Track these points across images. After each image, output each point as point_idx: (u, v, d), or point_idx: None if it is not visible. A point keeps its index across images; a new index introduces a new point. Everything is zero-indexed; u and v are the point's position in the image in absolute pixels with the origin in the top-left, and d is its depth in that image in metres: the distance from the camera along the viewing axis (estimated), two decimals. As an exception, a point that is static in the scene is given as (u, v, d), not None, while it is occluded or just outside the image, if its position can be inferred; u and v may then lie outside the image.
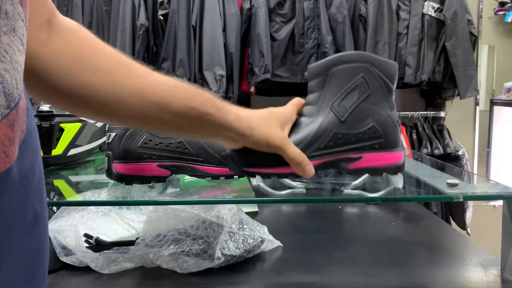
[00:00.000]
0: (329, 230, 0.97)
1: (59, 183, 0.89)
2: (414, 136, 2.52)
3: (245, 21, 2.28)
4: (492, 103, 2.73)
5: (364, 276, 0.75)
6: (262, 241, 0.82)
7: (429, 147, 2.46)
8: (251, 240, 0.81)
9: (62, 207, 0.88)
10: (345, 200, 0.99)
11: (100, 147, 1.13)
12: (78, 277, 0.75)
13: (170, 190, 0.87)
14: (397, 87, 0.65)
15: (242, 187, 0.80)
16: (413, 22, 2.35)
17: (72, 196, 0.83)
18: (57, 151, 0.96)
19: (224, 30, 2.25)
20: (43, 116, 0.94)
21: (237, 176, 0.76)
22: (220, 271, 0.76)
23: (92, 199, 0.79)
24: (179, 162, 0.71)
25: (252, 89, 2.34)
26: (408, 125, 2.56)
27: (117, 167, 0.68)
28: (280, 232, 0.90)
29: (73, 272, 0.76)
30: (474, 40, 2.43)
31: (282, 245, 0.86)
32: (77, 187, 0.90)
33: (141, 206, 0.94)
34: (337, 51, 2.29)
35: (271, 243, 0.85)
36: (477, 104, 2.76)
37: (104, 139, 1.13)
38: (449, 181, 0.74)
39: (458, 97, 2.43)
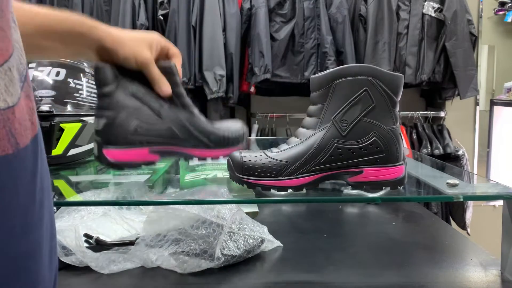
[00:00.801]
0: (329, 230, 0.97)
1: (59, 183, 0.89)
2: (414, 136, 2.52)
3: (245, 21, 2.28)
4: (492, 103, 2.73)
5: (364, 276, 0.75)
6: (262, 241, 0.82)
7: (429, 147, 2.46)
8: (251, 240, 0.81)
9: (62, 207, 0.88)
10: (345, 200, 0.99)
11: (100, 147, 1.13)
12: (78, 277, 0.75)
13: (170, 190, 0.87)
14: (397, 87, 0.65)
15: (242, 187, 0.79)
16: (413, 22, 2.35)
17: (72, 196, 0.83)
18: (57, 151, 0.96)
19: (224, 30, 2.25)
20: (43, 116, 0.94)
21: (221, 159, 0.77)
22: (220, 271, 0.76)
23: (92, 199, 0.79)
24: (168, 147, 0.71)
25: (252, 89, 2.34)
26: (408, 125, 2.56)
27: (109, 153, 0.67)
28: (280, 232, 0.90)
29: (73, 272, 0.76)
30: (474, 40, 2.43)
31: (282, 245, 0.86)
32: (77, 187, 0.90)
33: (141, 206, 0.94)
34: (337, 51, 2.29)
35: (271, 243, 0.85)
36: (477, 104, 2.76)
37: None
38: (449, 181, 0.74)
39: (458, 97, 2.43)
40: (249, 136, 2.28)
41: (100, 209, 0.89)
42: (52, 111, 0.95)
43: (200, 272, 0.75)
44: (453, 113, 2.66)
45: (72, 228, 0.79)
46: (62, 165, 0.99)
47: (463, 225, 2.49)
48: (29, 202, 0.34)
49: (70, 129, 0.98)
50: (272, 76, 2.26)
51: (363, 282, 0.73)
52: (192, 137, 0.70)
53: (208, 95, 2.23)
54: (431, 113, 2.56)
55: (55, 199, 0.78)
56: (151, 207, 0.85)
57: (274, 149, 0.65)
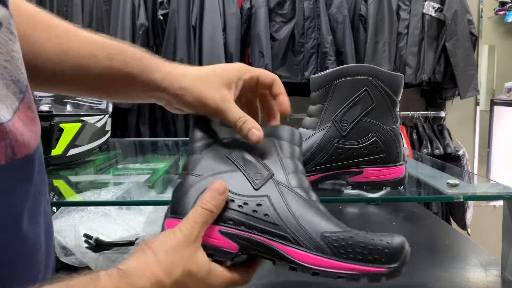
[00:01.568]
0: (329, 230, 0.97)
1: (59, 183, 0.89)
2: (415, 136, 2.52)
3: (245, 21, 2.28)
4: (493, 103, 2.73)
5: (364, 276, 0.75)
6: (262, 241, 0.82)
7: (429, 147, 2.46)
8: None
9: (62, 207, 0.88)
10: (345, 200, 0.99)
11: (100, 147, 1.13)
12: (77, 277, 0.75)
13: (170, 190, 0.87)
14: (397, 87, 0.65)
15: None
16: (414, 22, 2.34)
17: (72, 196, 0.83)
18: (57, 151, 0.96)
19: (224, 30, 2.25)
20: (42, 116, 0.94)
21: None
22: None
23: (92, 199, 0.79)
24: (251, 234, 0.45)
25: (252, 89, 2.34)
26: (409, 125, 2.56)
27: (169, 224, 0.47)
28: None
29: (73, 273, 0.76)
30: (474, 40, 2.43)
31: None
32: (77, 187, 0.90)
33: (141, 206, 0.93)
34: (337, 51, 2.29)
35: (271, 243, 0.85)
36: (477, 104, 2.76)
37: (103, 139, 1.13)
38: (450, 181, 0.74)
39: (459, 97, 2.42)
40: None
41: (100, 209, 0.89)
42: (52, 111, 0.95)
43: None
44: (454, 113, 2.65)
45: (72, 228, 0.79)
46: (62, 165, 0.99)
47: (463, 225, 2.49)
48: (21, 208, 0.34)
49: (69, 129, 0.98)
50: (272, 76, 2.26)
51: (363, 282, 0.73)
52: (294, 227, 0.44)
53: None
54: (431, 113, 2.56)
55: (55, 199, 0.78)
56: (151, 207, 0.85)
57: None
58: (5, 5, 0.34)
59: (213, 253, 0.44)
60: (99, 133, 1.09)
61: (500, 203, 1.57)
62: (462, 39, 2.34)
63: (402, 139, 0.66)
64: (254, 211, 0.45)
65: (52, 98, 0.96)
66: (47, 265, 0.39)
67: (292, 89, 2.38)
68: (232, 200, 0.45)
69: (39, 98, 0.95)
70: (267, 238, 0.44)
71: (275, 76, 0.53)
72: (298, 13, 2.26)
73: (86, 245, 0.78)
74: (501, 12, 2.66)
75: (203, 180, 0.47)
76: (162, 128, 2.40)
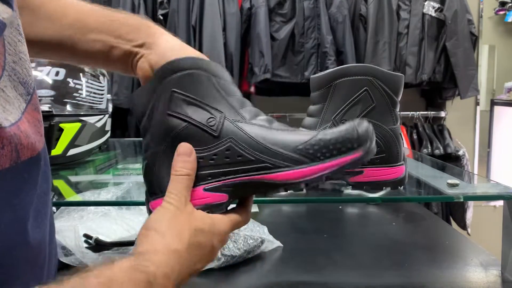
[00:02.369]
0: (329, 230, 0.97)
1: (59, 183, 0.89)
2: (415, 136, 2.52)
3: (245, 20, 2.28)
4: (493, 103, 2.73)
5: (364, 276, 0.75)
6: (262, 242, 0.82)
7: (429, 147, 2.46)
8: (251, 241, 0.81)
9: (62, 207, 0.88)
10: (345, 200, 0.99)
11: (99, 147, 1.13)
12: (77, 277, 0.75)
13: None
14: (397, 87, 0.65)
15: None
16: (414, 22, 2.34)
17: (71, 196, 0.83)
18: (57, 151, 0.96)
19: (224, 30, 2.25)
20: (42, 116, 0.94)
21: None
22: (220, 271, 0.76)
23: (92, 199, 0.79)
24: (233, 179, 0.46)
25: (252, 89, 2.34)
26: (409, 125, 2.56)
27: (154, 205, 0.47)
28: (280, 232, 0.90)
29: (73, 272, 0.76)
30: (474, 40, 2.43)
31: (282, 245, 0.86)
32: (77, 187, 0.90)
33: (141, 206, 0.93)
34: (337, 51, 2.29)
35: (271, 243, 0.85)
36: (477, 104, 2.76)
37: (103, 139, 1.13)
38: (450, 181, 0.74)
39: (459, 97, 2.43)
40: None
41: (100, 209, 0.89)
42: (52, 111, 0.95)
43: (200, 272, 0.75)
44: (454, 113, 2.65)
45: (72, 228, 0.79)
46: (62, 165, 0.99)
47: (463, 225, 2.48)
48: (26, 210, 0.34)
49: (69, 129, 0.98)
50: (272, 76, 2.26)
51: (363, 282, 0.73)
52: (268, 154, 0.46)
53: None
54: (431, 113, 2.56)
55: (55, 199, 0.78)
56: (151, 207, 0.85)
57: None
58: (10, 5, 0.33)
59: (207, 211, 0.45)
60: (99, 133, 1.09)
61: (500, 203, 1.57)
62: (462, 39, 2.34)
63: (402, 139, 0.66)
64: (226, 157, 0.46)
65: (52, 98, 0.96)
66: (49, 266, 0.39)
67: (292, 89, 2.39)
68: (201, 158, 0.46)
69: (39, 98, 0.95)
70: (248, 175, 0.46)
71: None
72: (298, 13, 2.26)
73: (86, 245, 0.78)
74: (501, 12, 2.66)
75: (163, 152, 0.46)
76: (162, 128, 2.39)
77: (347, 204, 1.16)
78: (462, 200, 0.73)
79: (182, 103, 0.46)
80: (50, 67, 0.97)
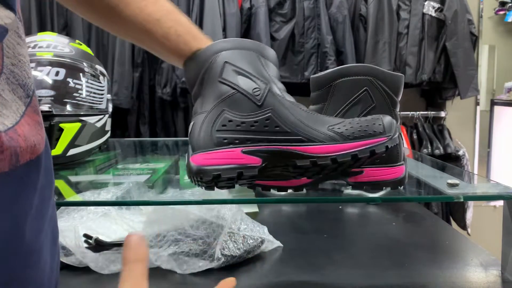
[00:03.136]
0: (329, 230, 0.97)
1: (59, 183, 0.89)
2: (415, 136, 2.52)
3: (245, 21, 2.28)
4: (493, 103, 2.73)
5: (364, 276, 0.75)
6: (262, 241, 0.82)
7: (429, 147, 2.46)
8: (251, 241, 0.81)
9: (62, 207, 0.88)
10: (345, 200, 0.99)
11: (99, 147, 1.13)
12: (77, 277, 0.75)
13: (170, 190, 0.87)
14: (397, 87, 0.65)
15: (242, 187, 0.79)
16: (414, 22, 2.34)
17: (71, 196, 0.83)
18: (57, 151, 0.96)
19: (224, 30, 2.25)
20: (42, 116, 0.94)
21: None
22: (220, 271, 0.76)
23: (92, 199, 0.79)
24: (269, 146, 0.52)
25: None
26: (409, 125, 2.56)
27: (195, 159, 0.51)
28: (280, 232, 0.90)
29: (73, 273, 0.76)
30: (474, 40, 2.43)
31: (282, 245, 0.86)
32: (77, 187, 0.90)
33: (141, 206, 0.93)
34: (337, 51, 2.29)
35: (271, 243, 0.85)
36: (477, 104, 2.76)
37: (103, 139, 1.13)
38: (450, 181, 0.74)
39: (459, 97, 2.43)
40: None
41: (100, 209, 0.89)
42: (52, 111, 0.95)
43: (200, 273, 0.75)
44: (454, 113, 2.65)
45: (72, 228, 0.79)
46: (62, 165, 0.99)
47: (463, 225, 2.49)
48: (24, 215, 0.33)
49: (69, 129, 0.98)
50: (272, 76, 2.26)
51: (363, 282, 0.73)
52: (303, 130, 0.51)
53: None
54: (431, 113, 2.56)
55: (55, 199, 0.78)
56: (151, 207, 0.85)
57: None
58: (13, 10, 0.33)
59: (242, 171, 0.50)
60: (99, 133, 1.09)
61: (500, 203, 1.57)
62: (462, 39, 2.34)
63: (402, 139, 0.66)
64: (265, 126, 0.51)
65: (52, 98, 0.96)
66: (51, 270, 0.39)
67: (292, 89, 2.39)
68: (243, 122, 0.51)
69: (39, 98, 0.95)
70: (284, 145, 0.51)
71: None
72: (298, 13, 2.26)
73: (86, 245, 0.78)
74: (501, 12, 2.66)
75: (209, 114, 0.52)
76: (162, 128, 2.40)
77: (347, 204, 1.16)
78: (462, 200, 0.73)
79: (233, 73, 0.52)
80: (50, 67, 0.97)
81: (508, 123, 2.64)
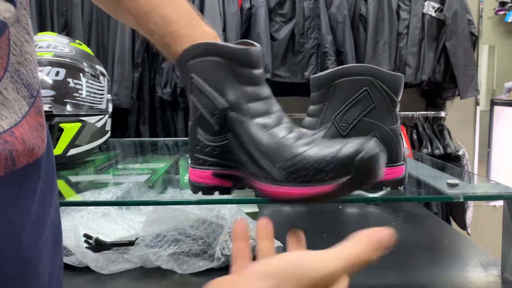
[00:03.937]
0: (329, 230, 0.97)
1: (59, 183, 0.88)
2: (415, 136, 2.52)
3: (245, 21, 2.28)
4: (493, 103, 2.73)
5: (364, 276, 0.75)
6: (262, 241, 0.82)
7: (429, 147, 2.46)
8: (251, 240, 0.81)
9: (62, 207, 0.88)
10: (345, 200, 0.99)
11: (99, 147, 1.13)
12: (77, 277, 0.75)
13: (170, 190, 0.87)
14: (397, 87, 0.64)
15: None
16: (414, 22, 2.34)
17: (71, 196, 0.83)
18: (57, 151, 0.96)
19: (224, 30, 2.25)
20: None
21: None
22: (220, 271, 0.76)
23: (92, 199, 0.79)
24: (233, 171, 0.49)
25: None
26: (409, 125, 2.56)
27: (189, 170, 0.52)
28: (280, 232, 0.89)
29: (73, 273, 0.76)
30: (474, 40, 2.43)
31: (282, 245, 0.86)
32: (77, 187, 0.90)
33: (141, 206, 0.93)
34: (337, 51, 2.29)
35: (271, 243, 0.85)
36: (477, 104, 2.76)
37: (103, 139, 1.13)
38: (450, 181, 0.74)
39: (459, 97, 2.42)
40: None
41: (100, 209, 0.89)
42: (52, 111, 0.95)
43: (200, 272, 0.75)
44: (454, 113, 2.65)
45: (72, 228, 0.79)
46: (62, 165, 0.99)
47: (463, 225, 2.48)
48: (21, 221, 0.32)
49: (69, 129, 0.98)
50: (272, 76, 2.26)
51: (363, 282, 0.73)
52: (252, 163, 0.46)
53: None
54: (431, 113, 2.56)
55: (58, 204, 0.78)
56: (151, 207, 0.85)
57: None
58: (12, 2, 0.32)
59: (217, 191, 0.51)
60: (99, 133, 1.09)
61: (500, 203, 1.57)
62: (462, 39, 2.34)
63: (402, 139, 0.66)
64: (226, 152, 0.48)
65: (52, 98, 0.96)
66: (51, 277, 0.38)
67: (292, 89, 2.39)
68: (209, 145, 0.49)
69: (39, 98, 0.95)
70: (243, 174, 0.48)
71: None
72: (298, 13, 2.26)
73: (86, 245, 0.78)
74: (501, 12, 2.66)
75: (190, 128, 0.51)
76: (162, 128, 2.39)
77: (347, 204, 1.16)
78: (462, 200, 0.73)
79: (197, 91, 0.49)
80: (50, 67, 0.97)
81: (508, 123, 2.64)
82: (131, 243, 0.79)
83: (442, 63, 2.38)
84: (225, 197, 0.71)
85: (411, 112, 2.50)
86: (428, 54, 2.35)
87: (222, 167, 0.49)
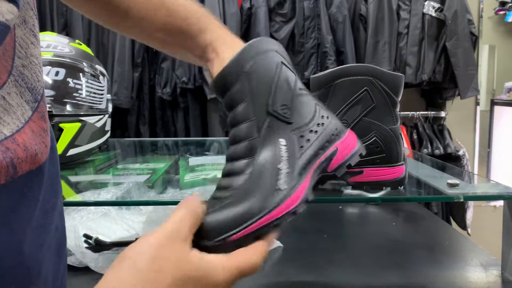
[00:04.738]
0: (329, 230, 0.97)
1: (59, 183, 0.88)
2: (415, 136, 2.52)
3: (245, 20, 2.28)
4: (493, 103, 2.73)
5: (364, 276, 0.75)
6: (262, 241, 0.82)
7: (429, 147, 2.46)
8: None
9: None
10: (345, 200, 0.99)
11: (99, 147, 1.13)
12: (77, 277, 0.75)
13: (170, 190, 0.87)
14: (397, 87, 0.64)
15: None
16: (414, 22, 2.34)
17: (72, 196, 0.83)
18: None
19: (224, 30, 2.25)
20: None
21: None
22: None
23: (92, 199, 0.79)
24: None
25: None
26: (409, 125, 2.56)
27: None
28: (280, 232, 0.89)
29: (73, 273, 0.76)
30: (474, 40, 2.43)
31: (282, 245, 0.86)
32: (77, 187, 0.90)
33: (141, 206, 0.93)
34: (337, 51, 2.29)
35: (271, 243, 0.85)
36: (477, 104, 2.75)
37: (103, 139, 1.13)
38: (450, 181, 0.74)
39: (459, 97, 2.42)
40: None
41: (100, 209, 0.89)
42: (52, 111, 0.95)
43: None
44: (454, 113, 2.65)
45: (72, 228, 0.79)
46: (62, 165, 0.99)
47: (463, 226, 2.48)
48: (23, 229, 0.31)
49: (69, 129, 0.98)
50: (272, 76, 2.26)
51: (363, 282, 0.73)
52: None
53: (208, 95, 2.23)
54: (431, 113, 2.56)
55: (62, 208, 0.78)
56: (151, 207, 0.85)
57: None
58: (15, 3, 0.30)
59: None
60: (98, 133, 1.09)
61: (500, 203, 1.57)
62: (462, 39, 2.34)
63: (402, 139, 0.66)
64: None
65: (52, 98, 0.96)
66: (54, 282, 0.37)
67: (292, 89, 2.39)
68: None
69: (39, 98, 0.95)
70: None
71: None
72: (298, 13, 2.26)
73: (86, 245, 0.78)
74: (501, 12, 2.66)
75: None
76: (162, 128, 2.39)
77: (347, 204, 1.16)
78: (462, 200, 0.73)
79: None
80: (49, 67, 0.97)
81: (508, 123, 2.64)
82: (131, 243, 0.78)
83: (442, 63, 2.38)
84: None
85: (411, 112, 2.50)
86: (428, 54, 2.35)
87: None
